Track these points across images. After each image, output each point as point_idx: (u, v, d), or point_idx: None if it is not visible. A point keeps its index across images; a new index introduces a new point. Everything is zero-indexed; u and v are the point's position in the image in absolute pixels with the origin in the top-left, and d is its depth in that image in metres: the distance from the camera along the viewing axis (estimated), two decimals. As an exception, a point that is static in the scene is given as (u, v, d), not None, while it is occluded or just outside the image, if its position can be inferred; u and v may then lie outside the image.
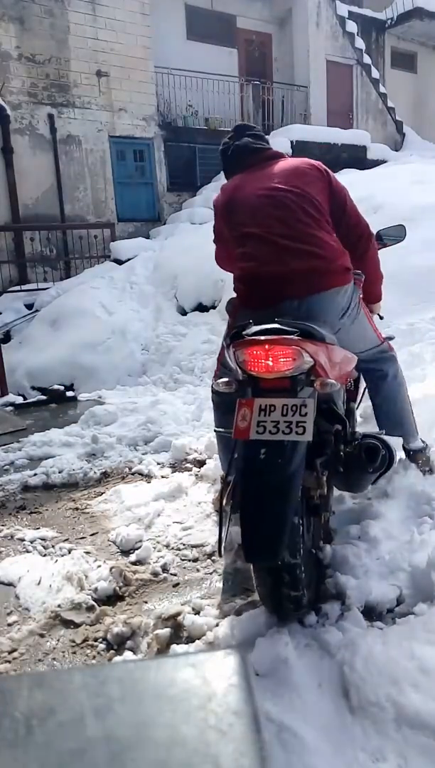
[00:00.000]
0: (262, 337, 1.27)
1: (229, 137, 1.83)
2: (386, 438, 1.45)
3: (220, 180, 9.35)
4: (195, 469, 2.55)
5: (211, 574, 1.74)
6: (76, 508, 2.34)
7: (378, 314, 2.07)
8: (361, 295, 1.72)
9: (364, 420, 2.30)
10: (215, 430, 1.89)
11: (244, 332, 1.34)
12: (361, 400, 2.09)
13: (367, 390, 2.02)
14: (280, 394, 1.28)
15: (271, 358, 1.26)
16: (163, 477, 2.57)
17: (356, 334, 1.70)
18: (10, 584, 1.77)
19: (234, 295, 1.73)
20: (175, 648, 1.38)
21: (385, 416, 1.93)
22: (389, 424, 1.86)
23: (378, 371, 1.90)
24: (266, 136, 1.88)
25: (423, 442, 2.03)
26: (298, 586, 1.27)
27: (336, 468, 1.44)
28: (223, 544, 1.38)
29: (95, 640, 1.49)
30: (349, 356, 1.51)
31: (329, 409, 1.42)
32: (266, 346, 1.26)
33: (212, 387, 1.89)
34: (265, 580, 1.32)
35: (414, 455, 2.00)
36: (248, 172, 1.72)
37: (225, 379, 1.45)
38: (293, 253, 1.53)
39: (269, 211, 1.58)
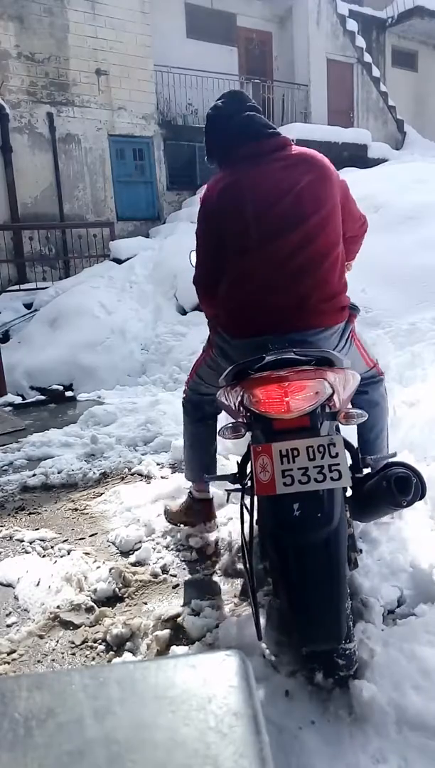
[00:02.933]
0: (283, 372, 1.08)
1: (221, 102, 1.49)
2: (410, 464, 1.22)
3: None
4: (195, 469, 2.54)
5: (211, 575, 1.74)
6: (76, 509, 2.34)
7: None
8: (354, 329, 1.54)
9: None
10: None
11: (251, 368, 1.15)
12: None
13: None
14: (300, 435, 1.08)
15: (289, 395, 1.07)
16: (162, 477, 2.56)
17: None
18: (9, 585, 1.77)
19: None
20: (175, 649, 1.37)
21: (361, 438, 1.72)
22: (364, 446, 1.69)
23: (364, 394, 1.68)
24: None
25: None
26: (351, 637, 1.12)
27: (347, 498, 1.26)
28: (260, 626, 1.18)
29: (94, 641, 1.48)
30: (355, 375, 1.34)
31: None
32: (285, 383, 1.07)
33: (184, 401, 1.80)
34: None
35: None
36: (253, 163, 1.39)
37: (230, 425, 1.22)
38: (296, 284, 1.32)
39: (284, 227, 1.32)
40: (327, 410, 1.16)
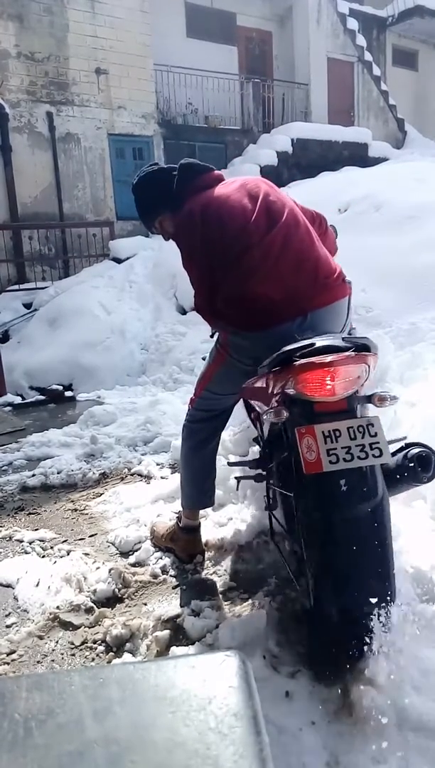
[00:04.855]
0: (330, 358, 1.13)
1: (146, 168, 1.75)
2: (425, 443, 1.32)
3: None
4: (195, 469, 2.54)
5: (211, 575, 1.74)
6: (75, 509, 2.34)
7: None
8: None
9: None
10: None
11: (295, 355, 1.20)
12: None
13: None
14: (340, 416, 1.17)
15: (335, 380, 1.15)
16: (162, 478, 2.56)
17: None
18: (8, 586, 1.77)
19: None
20: (175, 650, 1.37)
21: None
22: None
23: None
24: None
25: None
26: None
27: None
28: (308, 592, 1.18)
29: (94, 642, 1.48)
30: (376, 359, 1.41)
31: None
32: (331, 368, 1.13)
33: (187, 424, 1.76)
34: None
35: None
36: (211, 190, 1.56)
37: (273, 409, 1.26)
38: (299, 269, 1.42)
39: (266, 229, 1.44)
40: (358, 394, 1.23)
